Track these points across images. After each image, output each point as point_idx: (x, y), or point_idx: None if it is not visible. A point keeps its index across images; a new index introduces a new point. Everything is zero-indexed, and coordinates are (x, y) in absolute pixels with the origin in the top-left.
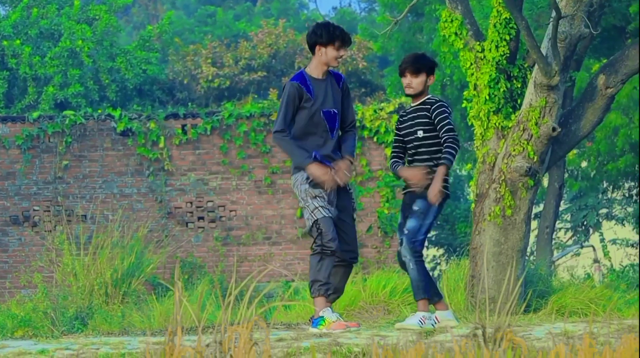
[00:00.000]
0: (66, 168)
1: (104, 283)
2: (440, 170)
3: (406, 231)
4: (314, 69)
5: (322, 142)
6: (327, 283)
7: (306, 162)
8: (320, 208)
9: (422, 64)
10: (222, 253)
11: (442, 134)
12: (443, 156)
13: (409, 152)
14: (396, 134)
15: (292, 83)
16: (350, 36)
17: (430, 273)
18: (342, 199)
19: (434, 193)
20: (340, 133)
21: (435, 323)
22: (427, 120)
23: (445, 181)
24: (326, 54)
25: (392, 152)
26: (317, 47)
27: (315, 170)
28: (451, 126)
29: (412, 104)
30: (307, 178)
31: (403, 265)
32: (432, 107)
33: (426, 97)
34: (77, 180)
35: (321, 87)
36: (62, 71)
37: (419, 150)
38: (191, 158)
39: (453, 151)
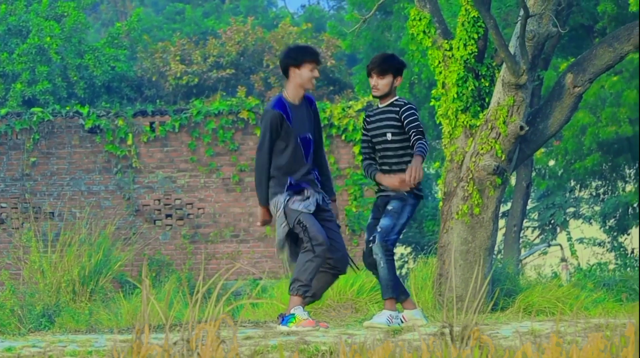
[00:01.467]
0: (34, 165)
1: (71, 281)
2: (417, 158)
3: (379, 229)
4: (291, 93)
5: (298, 167)
6: (308, 286)
7: (261, 203)
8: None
9: (388, 65)
10: (189, 250)
11: (412, 137)
12: (416, 148)
13: (378, 154)
14: (364, 135)
15: (273, 111)
16: (320, 57)
17: (398, 272)
18: (328, 211)
19: (410, 173)
20: (313, 158)
21: (403, 321)
22: (396, 123)
23: (418, 183)
24: (301, 76)
25: (363, 154)
26: (291, 70)
27: (262, 214)
28: (421, 130)
29: (380, 105)
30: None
31: (370, 265)
32: (401, 110)
33: (394, 99)
34: (44, 177)
35: (298, 114)
36: (30, 67)
37: (388, 153)
38: (159, 156)
39: (424, 148)
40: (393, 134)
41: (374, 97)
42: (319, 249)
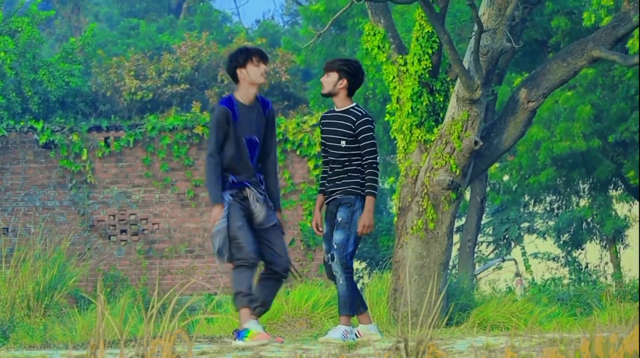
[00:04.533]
0: None
1: (26, 296)
2: (369, 200)
3: (335, 246)
4: (242, 93)
5: (242, 168)
6: (250, 295)
7: (213, 201)
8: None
9: (334, 63)
10: (144, 266)
11: (365, 155)
12: (367, 185)
13: (330, 158)
14: (322, 138)
15: (220, 107)
16: (266, 52)
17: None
18: (270, 214)
19: (363, 224)
20: (259, 161)
21: (358, 336)
22: (351, 131)
23: (368, 182)
24: (248, 74)
25: (323, 166)
26: (238, 71)
27: (217, 212)
28: (374, 148)
29: (336, 109)
30: (230, 199)
31: (330, 275)
32: (357, 122)
33: (351, 106)
34: None
35: (246, 114)
36: None
37: (340, 159)
38: (114, 171)
39: (375, 178)
40: (347, 142)
41: (322, 95)
42: (245, 261)
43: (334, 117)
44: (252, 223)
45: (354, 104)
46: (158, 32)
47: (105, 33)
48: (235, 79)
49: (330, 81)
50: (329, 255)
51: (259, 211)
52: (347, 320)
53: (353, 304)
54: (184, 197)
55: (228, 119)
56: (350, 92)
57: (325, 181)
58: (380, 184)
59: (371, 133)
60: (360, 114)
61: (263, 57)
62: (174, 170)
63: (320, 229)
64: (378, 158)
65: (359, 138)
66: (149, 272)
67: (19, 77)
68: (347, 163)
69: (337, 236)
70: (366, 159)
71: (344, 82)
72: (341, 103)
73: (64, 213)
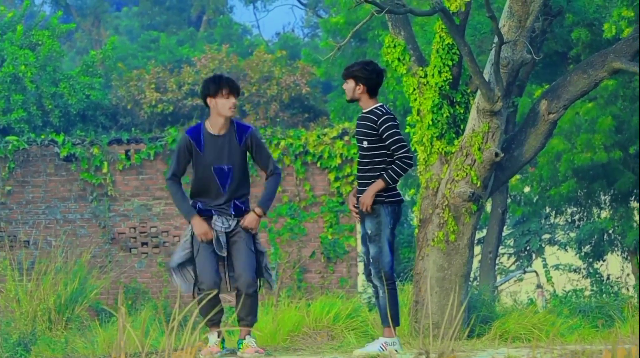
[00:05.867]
0: (9, 194)
1: (47, 309)
2: (377, 183)
3: (371, 260)
4: (211, 123)
5: (210, 195)
6: (206, 319)
7: (189, 216)
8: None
9: (349, 70)
10: (165, 278)
11: (393, 152)
12: (388, 169)
13: (358, 159)
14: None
15: (184, 136)
16: (238, 86)
17: (373, 300)
18: (235, 233)
19: (362, 202)
20: (236, 189)
21: (396, 347)
22: (372, 131)
23: (393, 188)
24: (217, 105)
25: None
26: (209, 100)
27: (196, 225)
28: (402, 143)
29: (363, 111)
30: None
31: (368, 277)
32: (379, 120)
33: (373, 106)
34: (20, 206)
35: (215, 143)
36: (5, 96)
37: (364, 160)
38: (134, 183)
39: (399, 167)
40: (369, 142)
41: (347, 101)
42: (202, 289)
43: (360, 119)
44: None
45: (378, 104)
46: (178, 44)
47: (125, 46)
48: (206, 104)
49: (349, 87)
50: (367, 269)
51: (222, 232)
52: (389, 331)
53: (395, 316)
54: None
55: (190, 149)
56: (372, 93)
57: (357, 178)
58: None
59: (395, 129)
60: (380, 113)
61: (233, 90)
62: None
63: (355, 211)
64: (409, 153)
65: (383, 137)
66: (170, 285)
67: (39, 90)
68: (369, 165)
69: (371, 250)
70: (395, 155)
71: (362, 87)
72: (365, 105)
73: (85, 225)
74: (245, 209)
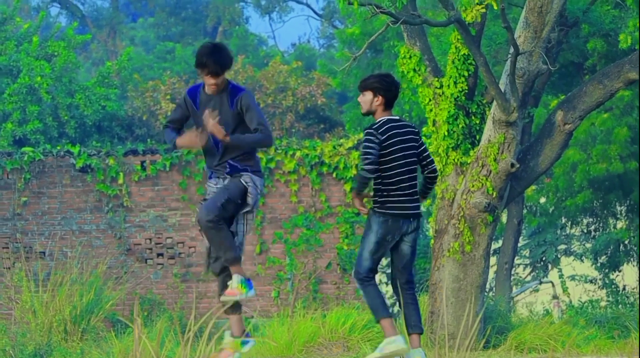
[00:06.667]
0: (25, 205)
1: (62, 320)
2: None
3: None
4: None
5: (210, 157)
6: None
7: (173, 141)
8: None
9: (366, 82)
10: (181, 289)
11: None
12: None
13: None
14: None
15: (184, 92)
16: (215, 65)
17: (390, 310)
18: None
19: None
20: (232, 149)
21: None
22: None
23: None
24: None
25: None
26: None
27: (183, 140)
28: (363, 155)
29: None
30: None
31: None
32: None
33: (377, 119)
34: (35, 217)
35: (208, 102)
36: (21, 107)
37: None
38: (150, 194)
39: (360, 179)
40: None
41: (363, 114)
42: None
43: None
44: None
45: (384, 118)
46: (194, 55)
47: (141, 57)
48: None
49: (367, 100)
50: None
51: (213, 192)
52: (388, 330)
53: (378, 308)
54: None
55: (187, 104)
56: (388, 105)
57: None
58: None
59: (365, 143)
60: (377, 125)
61: (204, 70)
62: None
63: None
64: (368, 166)
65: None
66: (185, 296)
67: (55, 101)
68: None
69: (359, 250)
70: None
71: (380, 99)
72: (378, 117)
73: (100, 236)
74: (242, 168)
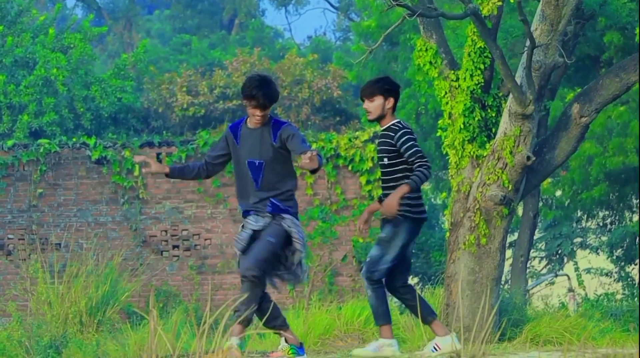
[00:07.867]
0: (41, 196)
1: (78, 312)
2: (402, 187)
3: (368, 259)
4: (249, 118)
5: (247, 192)
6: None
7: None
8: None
9: (375, 87)
10: (197, 281)
11: (411, 160)
12: (411, 176)
13: (381, 176)
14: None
15: (226, 128)
16: (264, 98)
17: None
18: (269, 227)
19: (388, 204)
20: (272, 186)
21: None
22: (391, 147)
23: (419, 205)
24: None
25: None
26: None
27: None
28: (419, 152)
29: (380, 129)
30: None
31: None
32: (396, 136)
33: (391, 123)
34: (51, 208)
35: (250, 137)
36: (37, 99)
37: (385, 177)
38: (166, 186)
39: (421, 174)
40: (389, 158)
41: (369, 121)
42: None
43: (380, 136)
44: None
45: (396, 120)
46: (210, 48)
47: (157, 49)
48: None
49: (378, 105)
50: (363, 263)
51: (249, 229)
52: (386, 332)
53: (384, 313)
54: (236, 212)
55: (228, 140)
56: (395, 108)
57: (382, 195)
58: (432, 199)
59: (412, 142)
60: (397, 128)
61: (251, 102)
62: (226, 186)
63: (362, 228)
64: (428, 162)
65: (401, 151)
66: (201, 288)
67: (71, 93)
68: (391, 181)
69: (373, 251)
70: (417, 165)
71: (391, 101)
72: (386, 121)
73: (116, 228)
74: (284, 208)
